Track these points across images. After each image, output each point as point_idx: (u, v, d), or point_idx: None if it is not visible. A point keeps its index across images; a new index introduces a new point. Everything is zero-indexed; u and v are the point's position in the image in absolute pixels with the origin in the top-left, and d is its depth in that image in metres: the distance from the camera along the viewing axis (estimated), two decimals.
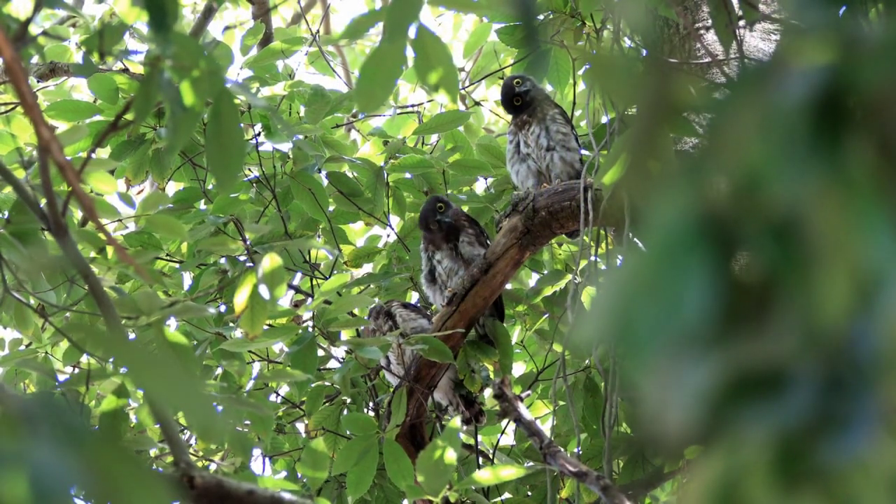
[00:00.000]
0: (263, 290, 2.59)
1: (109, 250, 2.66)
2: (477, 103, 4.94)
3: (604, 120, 3.47)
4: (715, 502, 0.67)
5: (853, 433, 0.65)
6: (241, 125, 1.73)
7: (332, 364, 3.73)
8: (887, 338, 0.64)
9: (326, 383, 3.45)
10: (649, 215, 0.71)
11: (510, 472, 2.81)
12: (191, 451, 3.33)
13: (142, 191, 4.43)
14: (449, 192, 3.81)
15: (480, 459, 3.65)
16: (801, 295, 0.66)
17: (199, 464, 3.31)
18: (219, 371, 3.15)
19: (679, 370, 0.67)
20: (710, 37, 3.22)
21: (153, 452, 3.36)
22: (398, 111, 4.50)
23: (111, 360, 2.53)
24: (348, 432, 3.39)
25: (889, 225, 0.64)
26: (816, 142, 0.67)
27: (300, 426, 3.77)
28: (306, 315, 3.66)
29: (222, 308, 3.41)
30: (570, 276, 3.47)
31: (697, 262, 0.69)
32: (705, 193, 0.70)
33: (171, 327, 3.43)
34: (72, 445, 0.86)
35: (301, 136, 3.63)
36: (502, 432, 3.94)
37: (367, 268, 4.16)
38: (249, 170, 3.75)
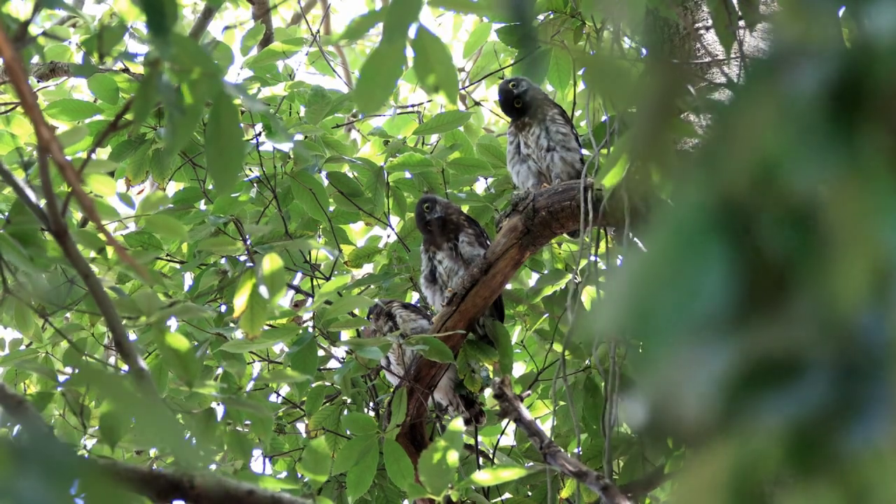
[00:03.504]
0: (263, 291, 2.59)
1: (109, 250, 2.66)
2: (477, 103, 4.94)
3: (603, 119, 3.47)
4: (728, 489, 0.67)
5: (869, 421, 0.65)
6: (242, 125, 1.73)
7: (333, 364, 3.73)
8: None
9: (327, 383, 3.45)
10: (665, 204, 0.71)
11: (510, 472, 2.81)
12: None
13: (142, 191, 4.43)
14: (449, 191, 3.81)
15: (481, 459, 3.65)
16: (817, 283, 0.66)
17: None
18: (219, 371, 3.15)
19: (696, 358, 0.67)
20: (710, 37, 3.22)
21: (153, 453, 3.37)
22: (398, 111, 4.50)
23: (111, 360, 2.53)
24: (348, 432, 3.39)
25: None
26: (832, 130, 0.67)
27: (300, 426, 3.77)
28: (306, 315, 3.66)
29: (223, 308, 3.41)
30: (570, 276, 3.47)
31: (715, 251, 0.68)
32: (722, 182, 0.69)
33: (172, 328, 3.43)
34: (62, 479, 0.86)
35: (301, 137, 3.63)
36: (502, 432, 3.94)
37: (368, 268, 4.16)
38: (250, 170, 3.75)
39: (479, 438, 3.72)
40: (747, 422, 0.66)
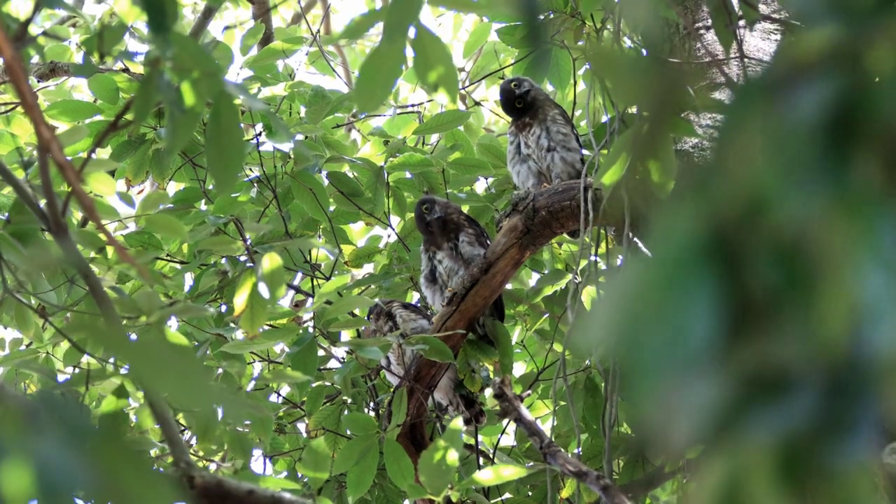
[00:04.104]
0: (263, 290, 2.59)
1: (109, 250, 2.66)
2: (477, 103, 4.94)
3: (604, 119, 3.47)
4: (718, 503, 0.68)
5: (854, 438, 0.65)
6: (242, 125, 1.73)
7: (333, 364, 3.73)
8: (885, 355, 0.65)
9: (327, 383, 3.45)
10: (654, 233, 0.72)
11: (510, 472, 2.81)
12: (191, 451, 3.33)
13: (142, 191, 4.43)
14: (449, 191, 3.81)
15: (481, 459, 3.65)
16: (802, 314, 0.66)
17: (200, 464, 3.31)
18: (219, 372, 3.15)
19: (684, 389, 0.68)
20: (710, 37, 3.22)
21: (153, 452, 3.36)
22: (398, 111, 4.50)
23: (111, 359, 2.53)
24: (348, 432, 3.39)
25: (889, 251, 0.65)
26: (824, 162, 0.67)
27: (301, 426, 3.77)
28: (306, 315, 3.66)
29: (223, 308, 3.41)
30: (570, 276, 3.47)
31: (703, 285, 0.69)
32: (712, 212, 0.70)
33: (172, 328, 3.43)
34: (76, 442, 0.86)
35: (301, 137, 3.63)
36: (503, 432, 3.94)
37: (368, 268, 4.16)
38: (250, 170, 3.75)
39: (480, 438, 3.72)
40: (736, 438, 0.67)
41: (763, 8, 3.16)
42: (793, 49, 0.73)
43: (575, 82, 3.82)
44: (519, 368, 4.04)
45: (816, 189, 0.67)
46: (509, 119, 3.53)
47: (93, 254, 2.64)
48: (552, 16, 3.45)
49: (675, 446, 0.67)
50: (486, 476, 2.77)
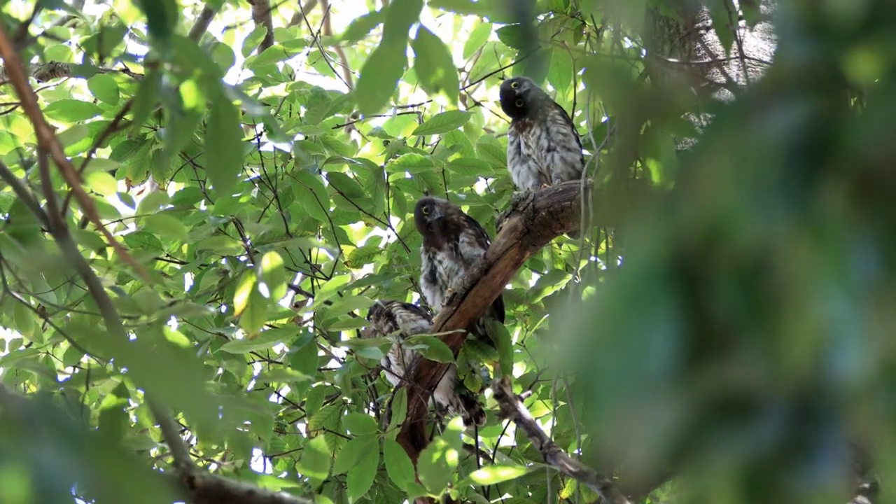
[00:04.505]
0: (263, 290, 2.59)
1: (110, 251, 2.66)
2: (477, 103, 4.94)
3: (604, 120, 3.47)
4: None
5: (818, 461, 0.66)
6: (242, 126, 1.73)
7: (333, 364, 3.73)
8: (849, 380, 0.65)
9: (327, 384, 3.45)
10: (621, 253, 0.72)
11: (510, 471, 2.81)
12: (191, 451, 3.33)
13: (142, 191, 4.43)
14: (449, 192, 3.81)
15: (481, 460, 3.65)
16: (764, 340, 0.66)
17: (200, 464, 3.31)
18: (220, 371, 3.15)
19: (643, 413, 0.68)
20: (710, 37, 3.22)
21: (153, 452, 3.36)
22: (398, 111, 4.50)
23: (111, 359, 2.53)
24: (349, 432, 3.39)
25: (853, 277, 0.65)
26: (790, 186, 0.67)
27: (301, 426, 3.77)
28: (307, 316, 3.66)
29: (223, 308, 3.41)
30: (570, 276, 3.47)
31: (663, 309, 0.69)
32: (675, 233, 0.69)
33: (172, 328, 3.43)
34: (73, 445, 0.86)
35: (301, 137, 3.64)
36: (503, 432, 3.94)
37: (368, 268, 4.16)
38: (251, 170, 3.75)
39: (480, 438, 3.72)
40: (698, 463, 0.67)
41: (763, 8, 3.16)
42: (771, 71, 0.72)
43: (575, 82, 3.82)
44: (519, 368, 4.04)
45: (781, 212, 0.67)
46: (509, 119, 3.53)
47: (93, 254, 2.65)
48: (552, 16, 3.45)
49: (634, 468, 0.67)
50: (485, 475, 2.77)
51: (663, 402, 0.68)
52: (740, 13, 2.62)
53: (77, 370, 3.36)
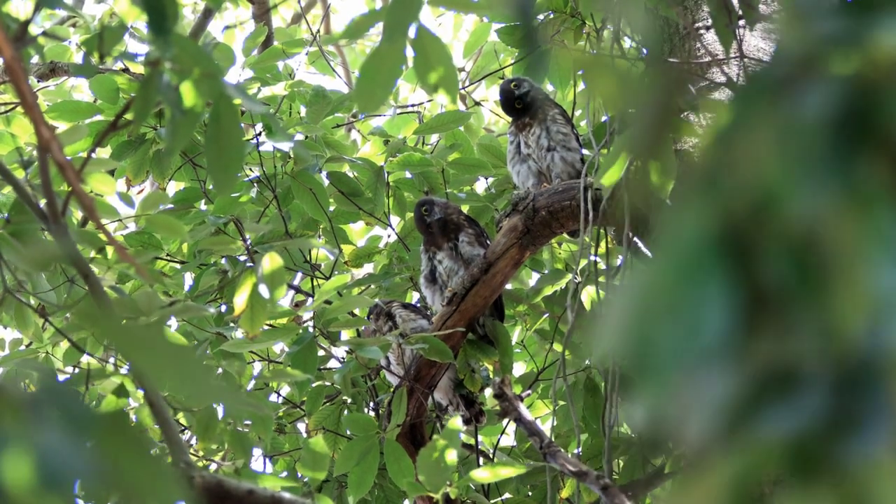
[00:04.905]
0: (263, 290, 2.59)
1: (109, 250, 2.66)
2: (477, 103, 4.94)
3: (604, 119, 3.47)
4: (728, 501, 0.68)
5: (868, 433, 0.66)
6: (242, 125, 1.73)
7: (333, 364, 3.73)
8: None
9: (327, 383, 3.45)
10: (663, 229, 0.72)
11: (509, 470, 2.81)
12: (191, 451, 3.33)
13: (142, 191, 4.43)
14: (449, 191, 3.82)
15: (481, 459, 3.65)
16: (815, 311, 0.67)
17: (200, 464, 3.31)
18: (219, 371, 3.15)
19: (698, 384, 0.68)
20: (710, 37, 3.22)
21: (153, 452, 3.36)
22: (398, 111, 4.50)
23: (111, 359, 2.53)
24: (348, 432, 3.39)
25: None
26: (834, 159, 0.67)
27: (301, 426, 3.77)
28: (306, 315, 3.66)
29: (223, 308, 3.41)
30: (570, 276, 3.47)
31: (716, 281, 0.69)
32: (722, 208, 0.70)
33: (172, 327, 3.43)
34: (78, 431, 0.86)
35: (301, 137, 3.63)
36: (502, 432, 3.94)
37: (368, 268, 4.16)
38: (251, 170, 3.75)
39: (479, 438, 3.72)
40: (748, 436, 0.67)
41: (763, 8, 3.16)
42: (794, 46, 0.72)
43: (575, 82, 3.82)
44: (519, 368, 4.04)
45: (828, 185, 0.67)
46: (509, 119, 3.53)
47: (93, 254, 2.65)
48: (552, 16, 3.45)
49: (690, 442, 0.67)
50: (484, 474, 2.77)
51: (718, 374, 0.68)
52: (740, 13, 2.62)
53: (77, 370, 3.36)
